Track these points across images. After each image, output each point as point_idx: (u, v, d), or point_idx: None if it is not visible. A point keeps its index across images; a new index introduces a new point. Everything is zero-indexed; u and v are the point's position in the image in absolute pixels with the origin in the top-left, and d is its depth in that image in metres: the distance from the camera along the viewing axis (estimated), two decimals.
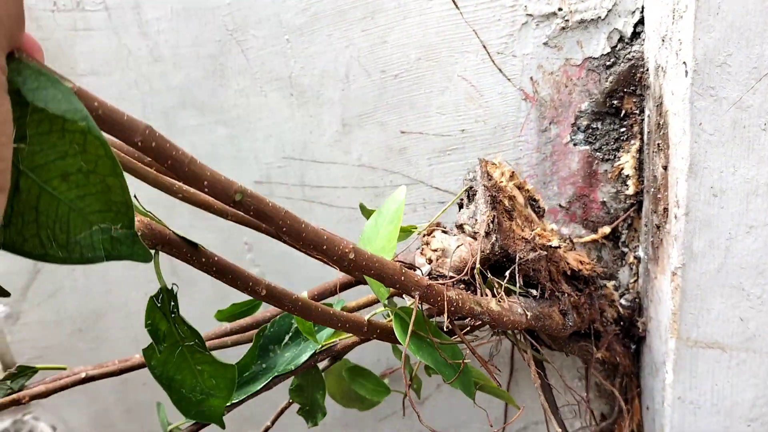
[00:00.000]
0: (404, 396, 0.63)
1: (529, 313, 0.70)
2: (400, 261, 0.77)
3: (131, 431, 1.16)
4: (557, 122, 0.85)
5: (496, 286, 0.70)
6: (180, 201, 0.96)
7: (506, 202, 0.73)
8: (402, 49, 0.84)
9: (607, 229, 0.88)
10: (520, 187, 0.80)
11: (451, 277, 0.69)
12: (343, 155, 0.91)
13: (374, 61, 0.85)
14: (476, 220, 0.71)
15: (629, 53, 0.80)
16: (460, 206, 0.75)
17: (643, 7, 0.77)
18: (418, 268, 0.71)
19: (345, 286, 0.81)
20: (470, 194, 0.72)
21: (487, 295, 0.68)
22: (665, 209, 0.74)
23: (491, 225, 0.68)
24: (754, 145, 0.65)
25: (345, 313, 0.62)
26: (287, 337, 0.71)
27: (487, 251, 0.68)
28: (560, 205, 0.89)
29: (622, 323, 0.91)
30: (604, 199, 0.88)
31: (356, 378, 0.83)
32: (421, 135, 0.88)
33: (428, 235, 0.74)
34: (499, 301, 0.66)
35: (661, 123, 0.74)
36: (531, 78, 0.83)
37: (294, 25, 0.85)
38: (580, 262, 0.80)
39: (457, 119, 0.86)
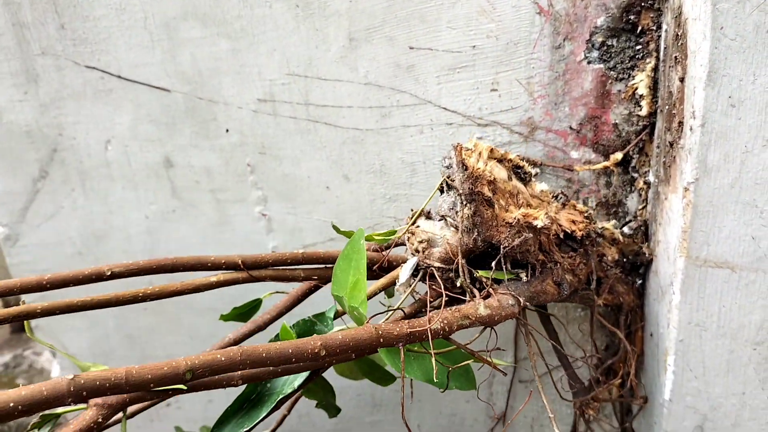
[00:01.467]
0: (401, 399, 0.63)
1: (521, 299, 0.69)
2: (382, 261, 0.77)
3: (131, 357, 1.16)
4: (571, 39, 0.82)
5: (485, 281, 0.70)
6: (182, 114, 0.94)
7: (485, 191, 0.71)
8: None
9: (619, 155, 0.86)
10: (501, 160, 0.79)
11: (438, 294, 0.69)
12: (349, 72, 0.88)
13: None
14: (456, 211, 0.69)
15: None
16: (442, 190, 0.74)
17: None
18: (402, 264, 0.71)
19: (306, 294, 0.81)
20: (449, 183, 0.71)
21: (474, 295, 0.68)
22: (680, 123, 0.72)
23: (472, 219, 0.67)
24: None
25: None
26: None
27: (470, 245, 0.68)
28: (571, 127, 0.87)
29: (625, 259, 0.90)
30: (616, 121, 0.85)
31: (365, 370, 0.82)
32: (431, 51, 0.85)
33: (413, 225, 0.73)
34: (488, 301, 0.66)
35: (679, 34, 0.71)
36: None
37: None
38: (573, 222, 0.79)
39: (468, 34, 0.84)
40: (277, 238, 1.01)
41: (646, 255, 0.87)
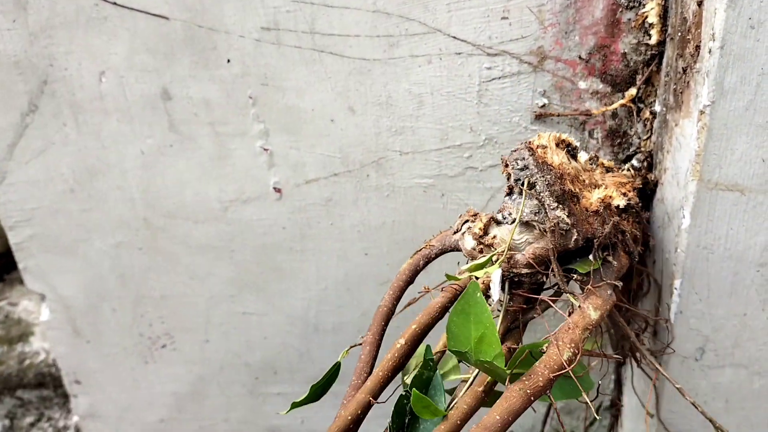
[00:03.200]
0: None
1: (616, 283, 0.69)
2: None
3: (125, 297, 1.14)
4: None
5: (576, 277, 0.70)
6: (181, 44, 0.91)
7: (573, 188, 0.71)
8: None
9: (633, 91, 0.87)
10: (559, 144, 0.78)
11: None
12: None
13: None
14: (545, 215, 0.68)
15: None
16: (510, 192, 0.72)
17: None
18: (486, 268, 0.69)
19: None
20: (527, 184, 0.69)
21: (576, 297, 0.67)
22: (697, 47, 0.73)
23: (569, 220, 0.67)
24: None
25: None
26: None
27: (570, 246, 0.67)
28: (580, 57, 0.87)
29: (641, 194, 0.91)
30: (625, 51, 0.86)
31: None
32: None
33: (484, 233, 0.71)
34: (593, 301, 0.66)
35: None
36: None
37: None
38: (624, 194, 0.79)
39: None
40: (279, 174, 1.00)
41: (651, 184, 0.89)
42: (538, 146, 0.72)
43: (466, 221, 0.75)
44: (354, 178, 0.99)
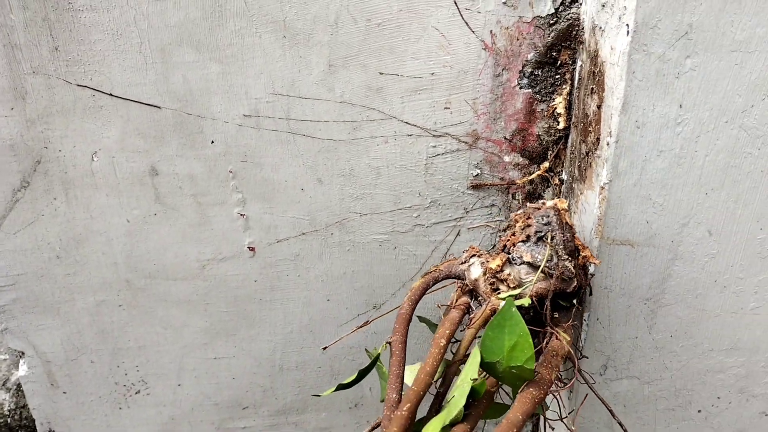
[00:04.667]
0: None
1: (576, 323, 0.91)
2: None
3: (103, 350, 1.24)
4: (508, 69, 1.04)
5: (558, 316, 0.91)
6: (170, 128, 1.04)
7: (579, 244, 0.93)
8: (386, 1, 0.98)
9: (547, 164, 1.10)
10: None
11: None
12: (327, 92, 1.04)
13: (362, 10, 0.98)
14: (556, 263, 0.87)
15: (569, 14, 1.00)
16: (527, 239, 0.90)
17: None
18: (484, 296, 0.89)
19: None
20: (544, 237, 0.88)
21: (556, 328, 0.88)
22: (597, 138, 0.96)
23: (576, 270, 0.87)
24: (669, 89, 0.88)
25: None
26: None
27: (568, 289, 0.88)
28: (505, 138, 1.09)
29: None
30: (539, 133, 1.09)
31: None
32: (397, 76, 1.03)
33: (500, 270, 0.89)
34: (567, 334, 0.86)
35: (596, 72, 0.95)
36: (491, 31, 1.01)
37: None
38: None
39: (428, 64, 1.03)
40: (254, 235, 1.15)
41: None
42: (561, 209, 0.91)
43: (474, 255, 0.95)
44: (320, 236, 1.16)
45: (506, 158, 1.11)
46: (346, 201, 1.13)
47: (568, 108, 1.06)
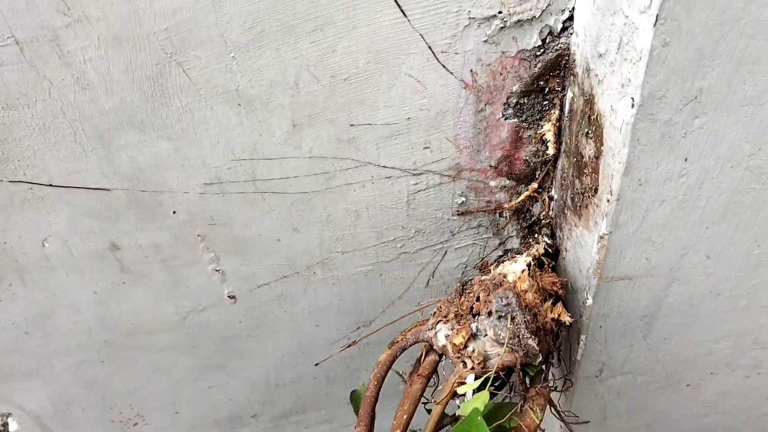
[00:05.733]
0: None
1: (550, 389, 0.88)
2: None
3: (93, 397, 1.21)
4: (491, 103, 0.93)
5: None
6: (125, 207, 0.95)
7: (541, 321, 0.87)
8: (351, 56, 0.85)
9: (535, 185, 1.03)
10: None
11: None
12: (293, 150, 0.93)
13: (324, 69, 0.85)
14: (519, 341, 0.84)
15: (557, 45, 0.88)
16: (489, 314, 0.85)
17: (573, 8, 0.84)
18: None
19: None
20: (505, 315, 0.84)
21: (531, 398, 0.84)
22: (596, 188, 0.90)
23: (539, 347, 0.84)
24: (675, 148, 0.81)
25: None
26: None
27: (533, 362, 0.83)
28: (490, 165, 1.01)
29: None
30: (527, 157, 1.01)
31: None
32: (370, 126, 0.92)
33: (463, 347, 0.84)
34: (539, 402, 0.83)
35: (592, 118, 0.86)
36: (471, 70, 0.89)
37: (240, 42, 0.81)
38: (554, 284, 0.97)
39: (403, 110, 0.91)
40: (232, 285, 1.09)
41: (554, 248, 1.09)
42: (520, 291, 0.88)
43: (440, 321, 0.92)
44: (302, 276, 1.10)
45: (492, 183, 1.04)
46: (326, 243, 1.06)
47: (558, 134, 0.98)
